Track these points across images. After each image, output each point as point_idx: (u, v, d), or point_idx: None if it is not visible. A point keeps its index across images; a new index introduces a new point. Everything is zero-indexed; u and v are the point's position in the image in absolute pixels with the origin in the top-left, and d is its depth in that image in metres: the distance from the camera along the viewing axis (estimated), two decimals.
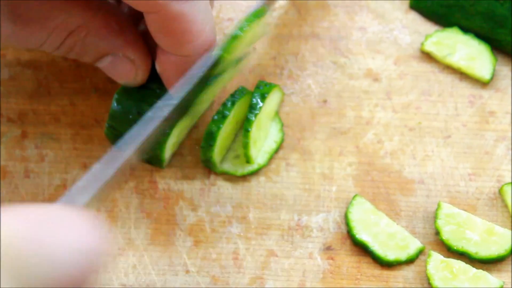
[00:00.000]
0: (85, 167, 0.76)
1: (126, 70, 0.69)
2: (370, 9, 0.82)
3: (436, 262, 0.71)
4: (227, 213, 0.74)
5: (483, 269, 0.71)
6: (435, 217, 0.73)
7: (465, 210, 0.73)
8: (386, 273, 0.72)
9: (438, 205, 0.73)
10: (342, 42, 0.81)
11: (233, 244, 0.73)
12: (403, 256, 0.72)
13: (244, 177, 0.75)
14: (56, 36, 0.66)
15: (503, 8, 0.78)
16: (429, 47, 0.79)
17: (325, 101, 0.79)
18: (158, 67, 0.68)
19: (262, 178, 0.75)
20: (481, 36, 0.79)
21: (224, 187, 0.75)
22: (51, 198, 0.75)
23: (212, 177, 0.76)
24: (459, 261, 0.71)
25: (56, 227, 0.41)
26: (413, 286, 0.71)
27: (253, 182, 0.75)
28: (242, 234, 0.73)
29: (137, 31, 0.69)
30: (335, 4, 0.83)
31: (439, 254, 0.71)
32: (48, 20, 0.64)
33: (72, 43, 0.66)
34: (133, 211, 0.74)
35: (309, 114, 0.78)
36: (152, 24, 0.63)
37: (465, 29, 0.80)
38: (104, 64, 0.70)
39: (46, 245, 0.40)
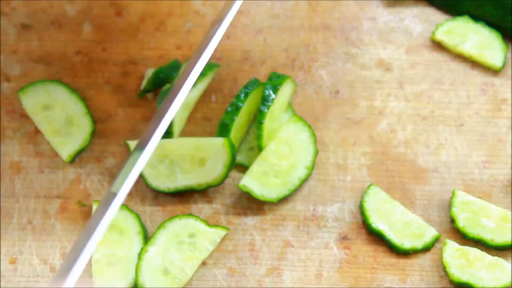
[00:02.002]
0: (99, 161, 0.76)
1: None
2: None
3: (452, 250, 0.71)
4: (242, 204, 0.74)
5: (499, 256, 0.71)
6: (450, 205, 0.73)
7: (480, 198, 0.73)
8: (402, 261, 0.72)
9: (453, 193, 0.73)
10: (353, 33, 0.81)
11: (249, 235, 0.73)
12: (419, 244, 0.72)
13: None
14: None
15: None
16: (440, 36, 0.79)
17: (337, 92, 0.79)
18: None
19: None
20: (491, 24, 0.79)
21: (238, 179, 0.75)
22: (66, 193, 0.75)
23: None
24: (474, 248, 0.71)
25: None
26: (429, 274, 0.71)
27: None
28: (257, 225, 0.74)
29: None
30: None
31: (454, 242, 0.71)
32: None
33: None
34: (148, 204, 0.74)
35: (321, 105, 0.78)
36: None
37: (476, 18, 0.80)
38: None
39: None
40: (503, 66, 0.78)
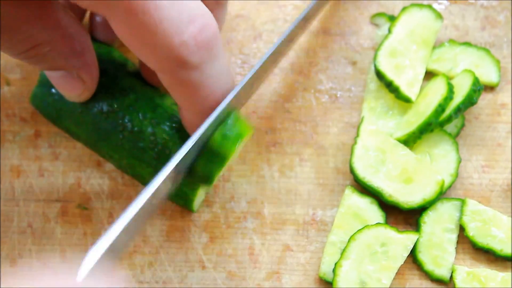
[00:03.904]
0: (99, 165, 0.76)
1: (74, 87, 0.69)
2: (380, 4, 0.83)
3: (463, 275, 0.70)
4: (242, 208, 0.75)
5: (507, 266, 0.71)
6: (460, 213, 0.73)
7: (478, 202, 0.73)
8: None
9: (464, 202, 0.73)
10: (353, 37, 0.81)
11: (249, 239, 0.73)
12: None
13: (258, 173, 0.76)
14: (20, 46, 0.64)
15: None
16: (431, 65, 0.79)
17: (336, 96, 0.79)
18: (180, 116, 0.69)
19: (276, 174, 0.76)
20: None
21: (238, 183, 0.75)
22: (66, 196, 0.75)
23: (226, 173, 0.76)
24: (484, 269, 0.71)
25: None
26: None
27: (267, 177, 0.76)
28: (257, 229, 0.74)
29: (95, 54, 0.69)
30: None
31: (463, 267, 0.71)
32: (18, 32, 0.63)
33: (33, 55, 0.66)
34: None
35: (321, 109, 0.78)
36: (161, 79, 0.63)
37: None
38: (54, 75, 0.69)
39: None
40: (499, 81, 0.78)
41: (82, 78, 0.69)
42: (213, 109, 0.64)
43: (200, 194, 0.72)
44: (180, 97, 0.64)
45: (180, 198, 0.72)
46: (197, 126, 0.65)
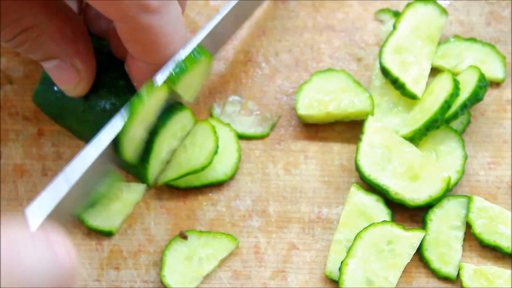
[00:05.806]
0: None
1: (70, 77, 0.69)
2: (385, 0, 0.82)
3: (470, 273, 0.70)
4: (247, 207, 0.74)
5: None
6: (467, 210, 0.72)
7: (485, 199, 0.73)
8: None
9: (470, 199, 0.72)
10: (357, 34, 0.81)
11: (254, 238, 0.73)
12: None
13: (263, 171, 0.75)
14: (9, 30, 0.65)
15: None
16: (437, 62, 0.78)
17: None
18: (127, 70, 0.69)
19: (281, 172, 0.75)
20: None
21: (242, 181, 0.75)
22: None
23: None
24: (491, 266, 0.70)
25: (34, 250, 0.47)
26: None
27: (272, 175, 0.75)
28: (262, 227, 0.73)
29: (90, 43, 0.69)
30: None
31: (470, 264, 0.70)
32: (4, 15, 0.64)
33: (23, 40, 0.66)
34: (152, 208, 0.74)
35: None
36: (121, 31, 0.63)
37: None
38: (49, 66, 0.69)
39: (25, 265, 0.46)
40: (505, 77, 0.78)
41: (77, 66, 0.68)
42: (167, 62, 0.65)
43: (153, 169, 0.72)
44: (140, 47, 0.64)
45: (134, 169, 0.72)
46: (145, 80, 0.66)
